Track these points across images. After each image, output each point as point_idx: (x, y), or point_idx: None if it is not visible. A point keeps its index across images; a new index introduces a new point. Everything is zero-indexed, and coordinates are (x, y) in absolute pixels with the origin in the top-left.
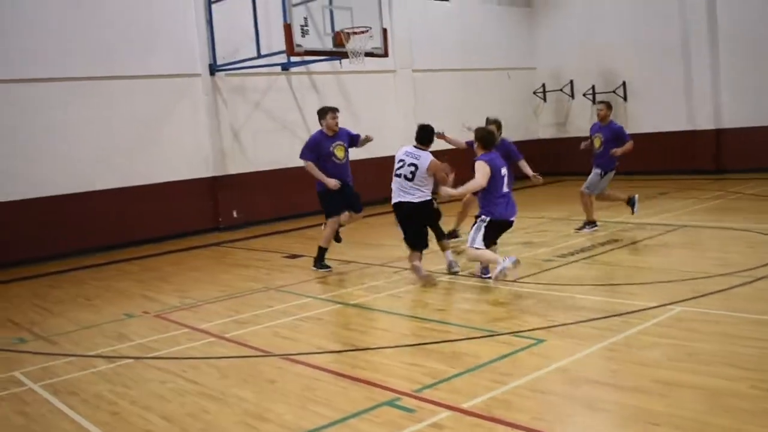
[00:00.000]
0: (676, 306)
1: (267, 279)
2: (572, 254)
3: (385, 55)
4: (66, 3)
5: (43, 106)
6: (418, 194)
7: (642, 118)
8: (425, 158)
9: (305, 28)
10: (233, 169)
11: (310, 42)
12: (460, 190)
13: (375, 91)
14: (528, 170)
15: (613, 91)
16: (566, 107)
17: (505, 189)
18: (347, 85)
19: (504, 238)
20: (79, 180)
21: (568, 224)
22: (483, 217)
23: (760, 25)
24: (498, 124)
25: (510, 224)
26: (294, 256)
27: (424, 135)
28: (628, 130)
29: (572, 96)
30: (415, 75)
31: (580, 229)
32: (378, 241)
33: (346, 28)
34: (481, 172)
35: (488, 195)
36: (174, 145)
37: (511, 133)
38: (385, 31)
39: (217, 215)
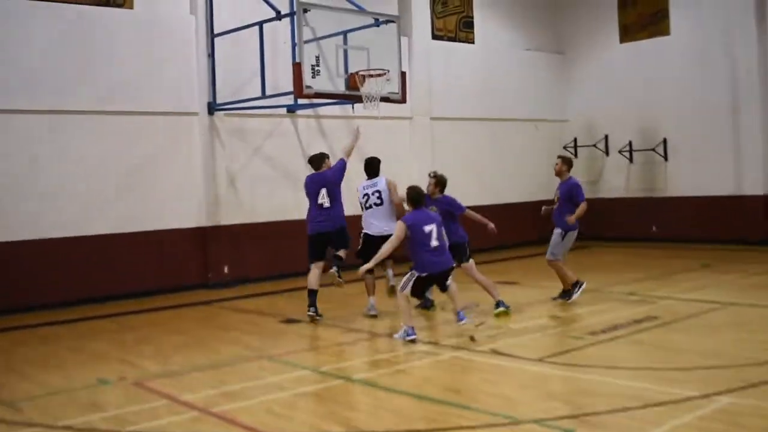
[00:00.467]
0: (722, 396)
1: (259, 346)
2: (604, 331)
3: (403, 100)
4: (60, 33)
5: (26, 140)
6: (388, 222)
7: (683, 179)
8: (381, 180)
9: (316, 68)
10: (227, 219)
11: (321, 83)
12: (375, 257)
13: (389, 140)
14: (479, 218)
15: (653, 149)
16: (600, 164)
17: (434, 243)
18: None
19: (530, 311)
20: (58, 224)
21: (600, 296)
22: (413, 271)
23: None
24: (438, 179)
25: (441, 275)
26: (290, 321)
27: (372, 167)
28: (667, 192)
29: (607, 152)
30: (434, 123)
31: (559, 297)
32: (386, 308)
33: (362, 70)
34: (395, 234)
35: (414, 251)
36: (165, 189)
37: (536, 191)
38: (403, 74)
39: (207, 270)
